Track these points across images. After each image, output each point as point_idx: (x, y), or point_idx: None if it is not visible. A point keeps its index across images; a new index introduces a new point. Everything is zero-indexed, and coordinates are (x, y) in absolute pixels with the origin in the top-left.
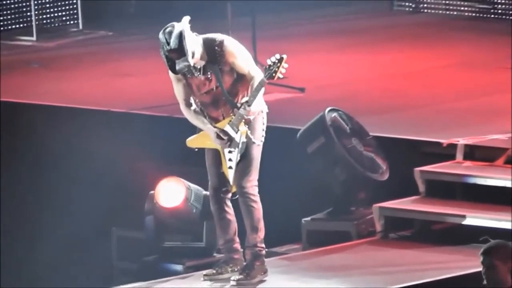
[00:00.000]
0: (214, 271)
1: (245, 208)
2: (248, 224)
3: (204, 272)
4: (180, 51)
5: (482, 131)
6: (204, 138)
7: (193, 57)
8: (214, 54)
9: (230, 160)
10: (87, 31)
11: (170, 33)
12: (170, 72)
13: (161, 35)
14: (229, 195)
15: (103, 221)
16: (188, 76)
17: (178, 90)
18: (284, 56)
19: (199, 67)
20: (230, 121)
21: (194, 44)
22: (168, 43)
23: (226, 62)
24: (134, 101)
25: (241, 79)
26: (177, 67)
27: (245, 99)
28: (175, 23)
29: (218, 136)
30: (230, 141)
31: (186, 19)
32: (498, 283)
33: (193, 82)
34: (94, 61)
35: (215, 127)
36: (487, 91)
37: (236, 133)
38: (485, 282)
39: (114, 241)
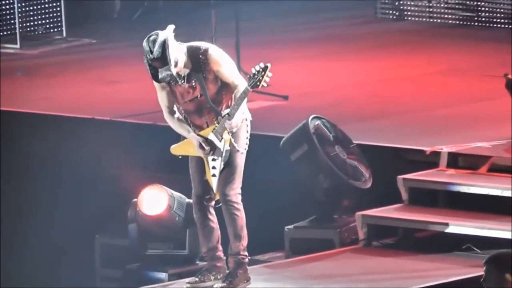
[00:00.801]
0: (197, 279)
1: (228, 216)
2: (231, 232)
3: (187, 280)
4: (163, 60)
5: (466, 139)
6: (188, 146)
7: (176, 66)
8: (198, 62)
9: (213, 168)
10: (71, 38)
11: (154, 41)
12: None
13: (145, 43)
14: (213, 203)
15: (86, 229)
16: (172, 83)
17: (162, 97)
18: (269, 65)
19: (183, 75)
20: (214, 129)
21: (178, 52)
22: (152, 52)
23: (211, 70)
24: (118, 109)
25: (225, 88)
26: (160, 76)
27: (227, 111)
28: (159, 32)
29: (201, 146)
30: (214, 150)
31: (171, 27)
32: None
33: (177, 90)
34: (78, 69)
35: (198, 135)
36: (471, 98)
37: (220, 141)
38: None
39: (98, 248)
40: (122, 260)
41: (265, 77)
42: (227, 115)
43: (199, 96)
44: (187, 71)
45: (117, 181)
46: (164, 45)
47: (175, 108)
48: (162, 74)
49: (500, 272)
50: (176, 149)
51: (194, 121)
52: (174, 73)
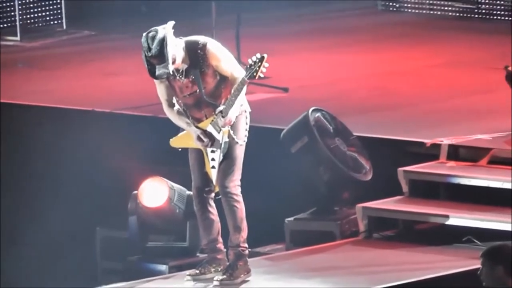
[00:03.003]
0: (198, 271)
1: (228, 208)
2: (231, 224)
3: (188, 272)
4: (161, 57)
5: (466, 131)
6: (187, 138)
7: (174, 63)
8: (196, 57)
9: (213, 160)
10: (72, 30)
11: (153, 38)
12: None
13: (143, 39)
14: (212, 195)
15: (87, 221)
16: (171, 78)
17: (161, 91)
18: (265, 56)
19: (181, 70)
20: (213, 120)
21: (176, 49)
22: (150, 49)
23: (209, 65)
24: (119, 101)
25: (224, 81)
26: (157, 73)
27: (221, 107)
28: (158, 28)
29: (199, 138)
30: (212, 142)
31: (170, 24)
32: (497, 285)
33: (176, 85)
34: (79, 61)
35: (197, 127)
36: (471, 90)
37: (219, 133)
38: (484, 283)
39: (98, 241)
40: (123, 252)
41: (261, 68)
42: (220, 113)
43: (197, 90)
44: (185, 66)
45: (117, 173)
46: (162, 42)
47: (174, 101)
48: (159, 71)
49: (494, 263)
50: (176, 142)
51: (193, 114)
52: (171, 72)
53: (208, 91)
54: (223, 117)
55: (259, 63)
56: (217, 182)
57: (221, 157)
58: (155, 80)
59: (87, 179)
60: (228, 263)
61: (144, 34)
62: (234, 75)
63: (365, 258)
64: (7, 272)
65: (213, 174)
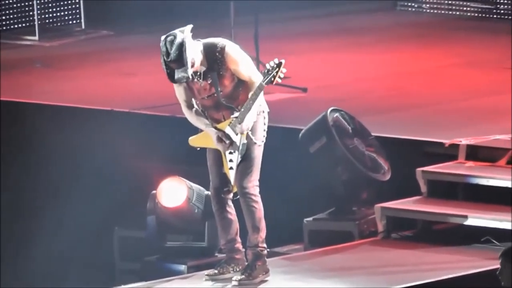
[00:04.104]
0: (216, 271)
1: (246, 208)
2: (249, 224)
3: (206, 272)
4: (179, 62)
5: (485, 131)
6: (206, 138)
7: (193, 66)
8: (215, 60)
9: (230, 161)
10: (90, 30)
11: (171, 42)
12: None
13: (162, 44)
14: (231, 195)
15: (105, 221)
16: (189, 80)
17: (180, 92)
18: (283, 61)
19: (199, 72)
20: (231, 122)
21: (194, 53)
22: (169, 54)
23: (227, 68)
24: (137, 101)
25: (242, 83)
26: (176, 77)
27: (237, 114)
28: (177, 32)
29: (219, 139)
30: (230, 143)
31: (189, 27)
32: None
33: (194, 87)
34: (97, 61)
35: (216, 128)
36: (490, 91)
37: (237, 135)
38: (503, 284)
39: (116, 241)
40: (141, 252)
41: (279, 73)
42: (236, 119)
43: (214, 93)
44: (203, 68)
45: (136, 173)
46: (181, 47)
47: (193, 102)
48: (178, 75)
49: None
50: (194, 141)
51: (212, 115)
52: (190, 76)
53: (226, 94)
54: (239, 123)
55: (277, 69)
56: (235, 183)
57: (239, 159)
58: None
59: (105, 179)
60: (246, 263)
61: (163, 38)
62: (252, 79)
63: (383, 258)
64: (24, 272)
65: (231, 175)
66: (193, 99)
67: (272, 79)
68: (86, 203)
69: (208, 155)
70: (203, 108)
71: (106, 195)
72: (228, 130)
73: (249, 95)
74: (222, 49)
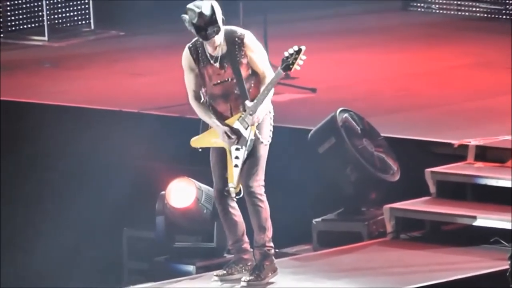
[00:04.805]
0: (225, 272)
1: (252, 208)
2: (255, 224)
3: (215, 272)
4: (212, 18)
5: (494, 132)
6: (208, 137)
7: (218, 33)
8: (233, 45)
9: (236, 158)
10: (99, 31)
11: (200, 5)
12: (183, 62)
13: (190, 8)
14: (233, 194)
15: (114, 222)
16: (202, 65)
17: (189, 80)
18: (303, 48)
19: (215, 55)
20: (240, 117)
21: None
22: (201, 13)
23: (245, 55)
24: (146, 101)
25: (255, 76)
26: (208, 31)
27: (250, 104)
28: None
29: (226, 135)
30: (239, 139)
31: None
32: None
33: (206, 72)
34: (106, 61)
35: (224, 124)
36: (499, 91)
37: (246, 129)
38: None
39: (125, 241)
40: (150, 252)
41: (298, 60)
42: (248, 110)
43: (228, 79)
44: (220, 52)
45: (145, 174)
46: (212, 8)
47: (201, 94)
48: (210, 30)
49: None
50: (196, 142)
51: (218, 107)
52: (222, 30)
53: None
54: (251, 114)
55: (296, 55)
56: (240, 182)
57: (245, 155)
58: (185, 69)
59: (114, 179)
60: (255, 263)
61: (189, 6)
62: (265, 73)
63: (392, 258)
64: (33, 271)
65: (235, 173)
66: (201, 91)
67: (291, 66)
68: (95, 203)
69: (211, 155)
70: (211, 99)
71: (115, 196)
72: (237, 125)
73: (264, 86)
74: (242, 35)
